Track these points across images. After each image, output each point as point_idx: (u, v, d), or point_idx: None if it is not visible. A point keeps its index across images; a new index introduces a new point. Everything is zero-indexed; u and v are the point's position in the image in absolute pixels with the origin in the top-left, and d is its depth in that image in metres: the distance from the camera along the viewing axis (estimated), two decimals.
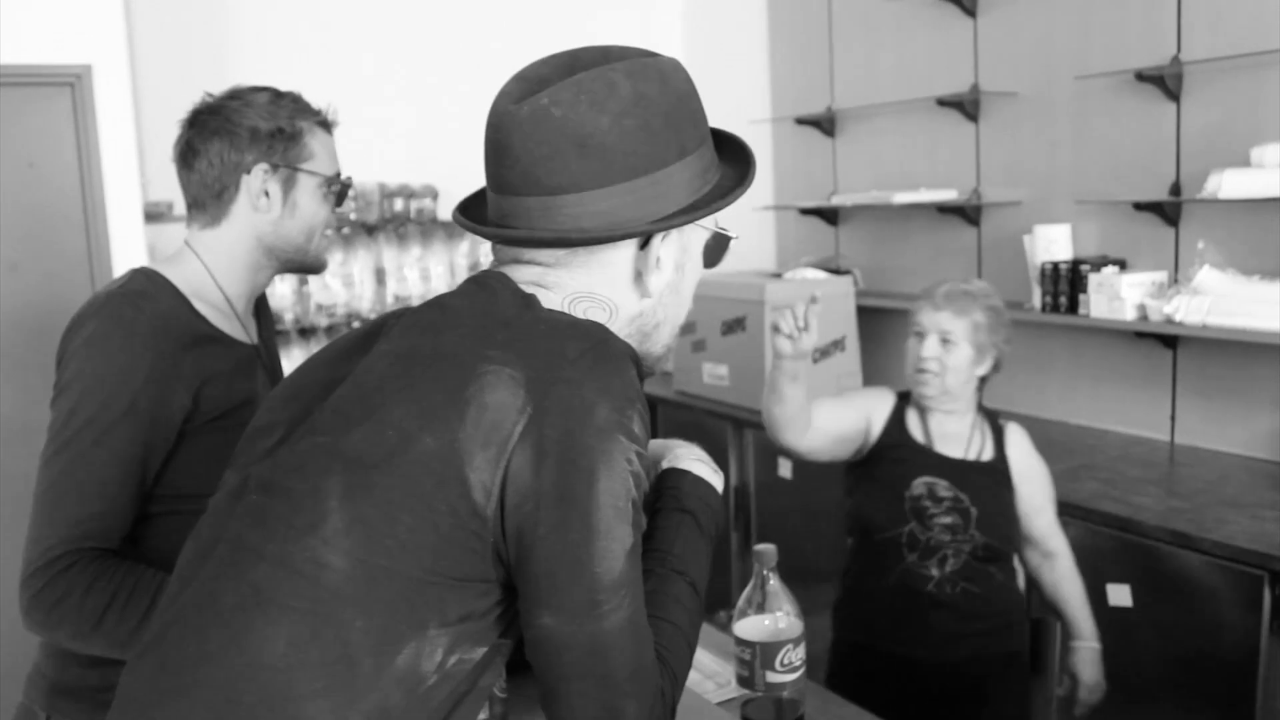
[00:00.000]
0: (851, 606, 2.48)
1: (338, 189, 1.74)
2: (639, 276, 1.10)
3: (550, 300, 1.09)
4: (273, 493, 1.03)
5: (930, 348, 2.41)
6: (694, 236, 1.13)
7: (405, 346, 1.05)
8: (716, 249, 1.18)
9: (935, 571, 2.32)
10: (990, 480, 2.39)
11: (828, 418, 2.47)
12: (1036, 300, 3.51)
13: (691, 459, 1.29)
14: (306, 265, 1.74)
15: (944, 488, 2.35)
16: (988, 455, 2.44)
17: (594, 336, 1.02)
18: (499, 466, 0.95)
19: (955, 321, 2.39)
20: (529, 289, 1.09)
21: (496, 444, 0.95)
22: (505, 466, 0.95)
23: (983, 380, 2.48)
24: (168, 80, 4.00)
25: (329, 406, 1.05)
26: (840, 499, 3.52)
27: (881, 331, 4.30)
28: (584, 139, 1.03)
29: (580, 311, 1.09)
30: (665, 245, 1.10)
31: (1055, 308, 3.42)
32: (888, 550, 2.36)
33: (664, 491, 1.25)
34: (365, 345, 1.11)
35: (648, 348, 1.15)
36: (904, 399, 2.52)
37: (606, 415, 0.97)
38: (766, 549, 1.74)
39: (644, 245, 1.10)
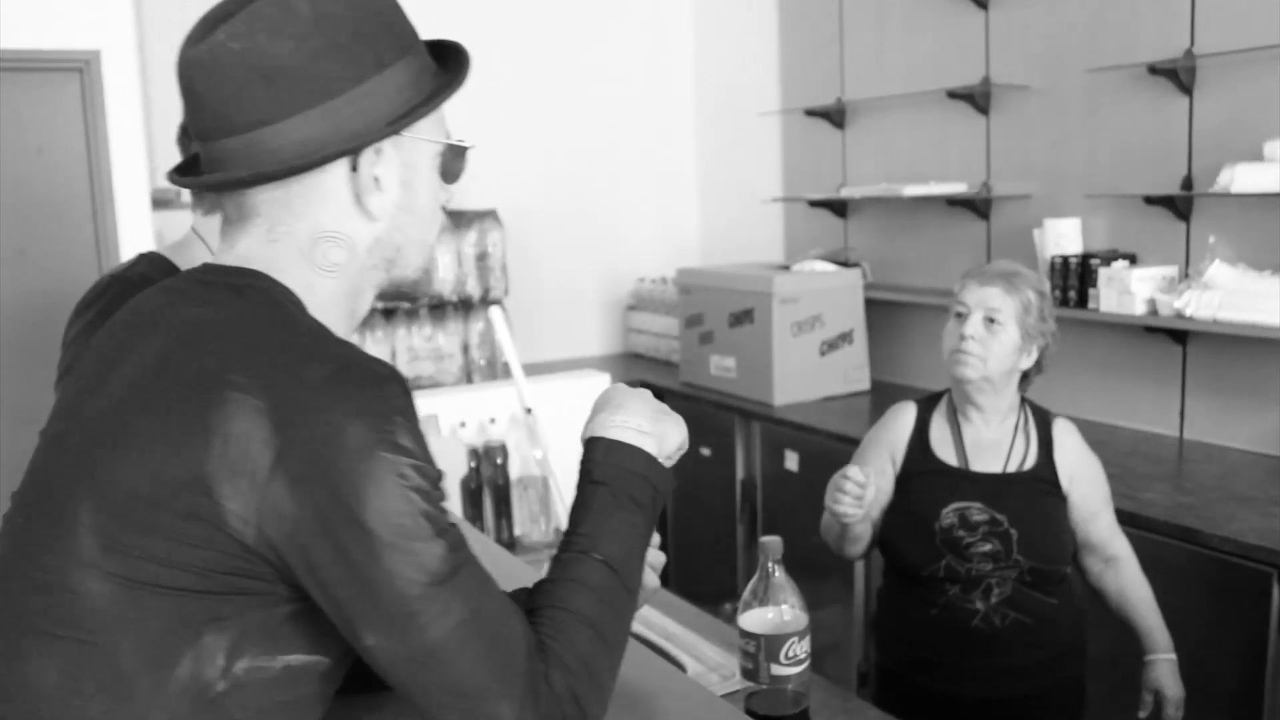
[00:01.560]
0: (891, 633, 2.32)
1: None
2: (359, 201, 1.05)
3: (287, 254, 1.05)
4: (30, 514, 1.00)
5: (974, 326, 2.15)
6: (417, 151, 1.09)
7: (157, 359, 0.99)
8: (452, 162, 1.14)
9: (980, 604, 2.13)
10: (1034, 492, 2.18)
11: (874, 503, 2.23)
12: None
13: (614, 424, 1.21)
14: None
15: (978, 511, 2.14)
16: (1030, 462, 2.20)
17: (338, 358, 0.97)
18: (253, 498, 0.91)
19: (1005, 299, 2.15)
20: (265, 249, 1.05)
21: (246, 475, 0.91)
22: (260, 498, 0.91)
23: (1025, 377, 2.24)
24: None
25: (82, 420, 1.01)
26: None
27: (890, 324, 4.28)
28: (267, 69, 0.99)
29: (320, 255, 1.05)
30: (383, 164, 1.06)
31: (1065, 302, 3.41)
32: (927, 585, 2.17)
33: (580, 466, 1.21)
34: (130, 343, 1.04)
35: (397, 274, 1.12)
36: (927, 407, 2.30)
37: (361, 435, 0.92)
38: (771, 541, 1.73)
39: (355, 168, 1.05)
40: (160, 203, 3.85)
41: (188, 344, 0.99)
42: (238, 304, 1.02)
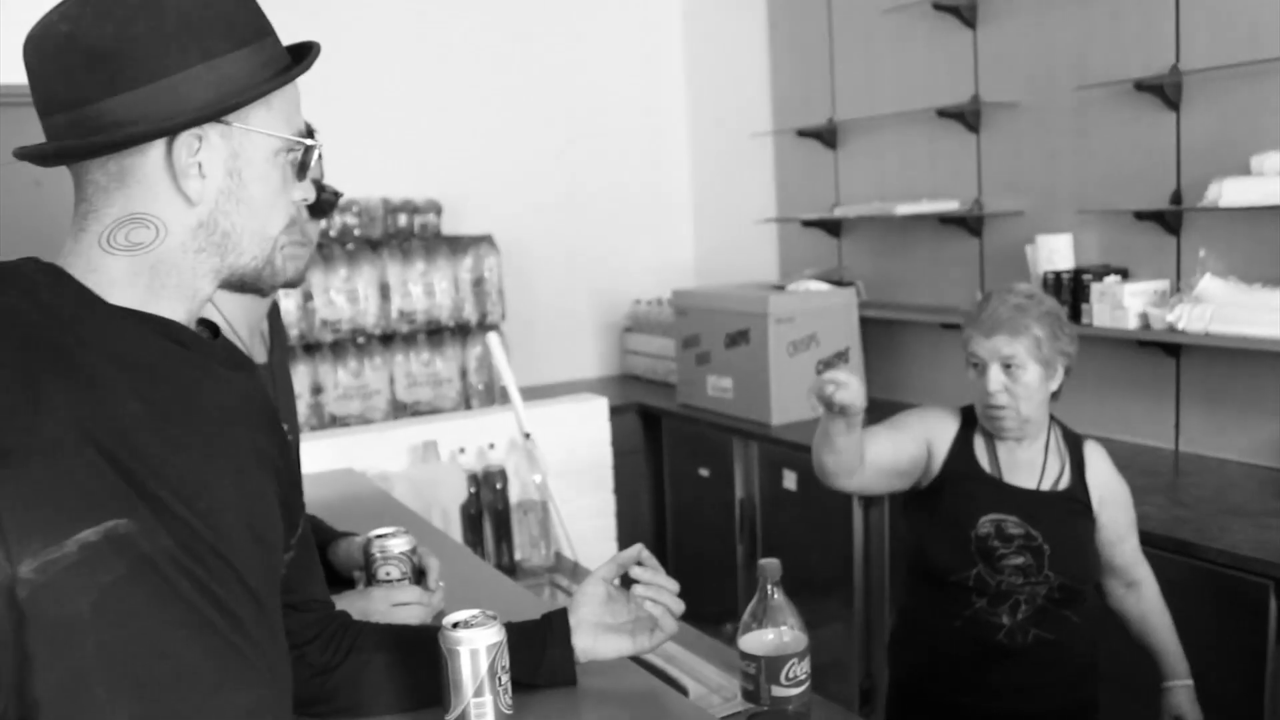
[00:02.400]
0: (911, 649, 2.31)
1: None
2: (176, 184, 1.06)
3: (89, 238, 1.08)
4: None
5: (995, 380, 2.13)
6: (250, 142, 1.10)
7: None
8: (301, 159, 1.16)
9: (1006, 619, 2.12)
10: (1066, 512, 2.17)
11: (881, 451, 2.21)
12: None
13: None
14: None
15: (1013, 524, 2.13)
16: (1065, 483, 2.19)
17: None
18: None
19: (1013, 344, 2.12)
20: (82, 237, 1.09)
21: None
22: None
23: (1055, 395, 2.22)
24: None
25: None
26: (843, 512, 3.55)
27: (885, 342, 4.30)
28: (90, 49, 1.02)
29: (123, 237, 1.07)
30: (207, 150, 1.07)
31: None
32: (954, 594, 2.16)
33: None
34: None
35: (232, 261, 1.13)
36: (970, 421, 2.26)
37: None
38: (770, 563, 1.74)
39: (171, 152, 1.06)
40: None
41: None
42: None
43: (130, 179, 1.06)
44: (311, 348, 4.28)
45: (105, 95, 1.02)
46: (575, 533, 3.14)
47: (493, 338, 3.27)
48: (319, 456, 3.09)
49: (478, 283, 4.55)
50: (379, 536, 1.82)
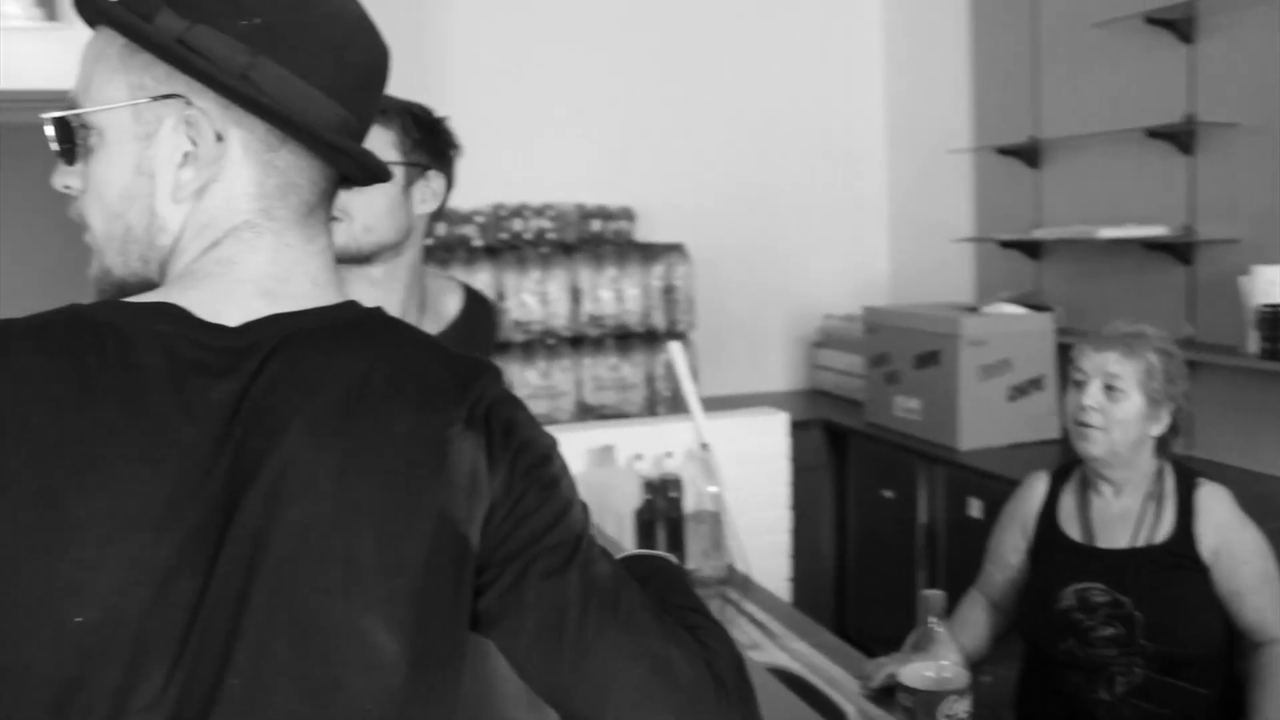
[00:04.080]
0: (1024, 716, 2.21)
1: None
2: None
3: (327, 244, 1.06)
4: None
5: (1092, 395, 2.02)
6: None
7: None
8: None
9: (1105, 694, 1.99)
10: (1164, 568, 2.00)
11: (981, 620, 2.21)
12: (1253, 346, 3.32)
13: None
14: None
15: (1099, 592, 1.99)
16: (1163, 535, 2.03)
17: None
18: None
19: (1123, 364, 2.02)
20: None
21: None
22: None
23: (1161, 443, 2.08)
24: None
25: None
26: None
27: None
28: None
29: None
30: None
31: (1273, 354, 3.23)
32: (1052, 670, 2.06)
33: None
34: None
35: None
36: (1060, 477, 2.16)
37: None
38: (933, 595, 1.70)
39: None
40: None
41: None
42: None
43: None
44: (502, 347, 4.39)
45: None
46: (749, 547, 3.12)
47: (675, 346, 3.29)
48: None
49: (668, 290, 4.59)
50: None
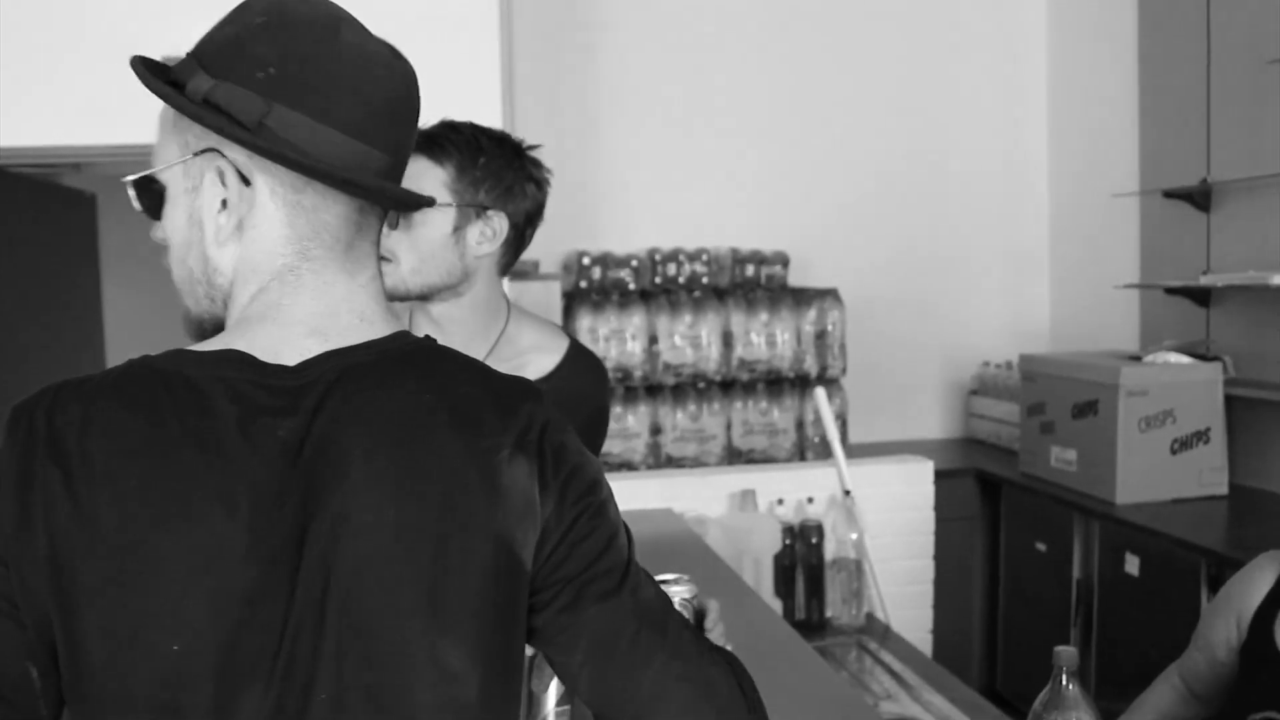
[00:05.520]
0: None
1: None
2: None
3: (369, 279, 1.09)
4: None
5: None
6: None
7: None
8: None
9: None
10: None
11: (1204, 681, 1.86)
12: None
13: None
14: None
15: None
16: None
17: None
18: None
19: None
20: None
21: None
22: None
23: None
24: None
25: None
26: (1190, 606, 3.28)
27: (1254, 425, 3.94)
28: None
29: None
30: None
31: None
32: None
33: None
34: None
35: None
36: None
37: None
38: (1067, 651, 1.65)
39: None
40: (517, 274, 4.14)
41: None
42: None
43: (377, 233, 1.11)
44: (653, 390, 4.44)
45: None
46: (890, 596, 3.08)
47: (820, 392, 3.28)
48: (648, 494, 3.22)
49: (820, 335, 4.56)
50: (663, 583, 1.84)
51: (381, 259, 1.08)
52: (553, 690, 1.36)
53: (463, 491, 0.95)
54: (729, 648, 1.80)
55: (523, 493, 0.97)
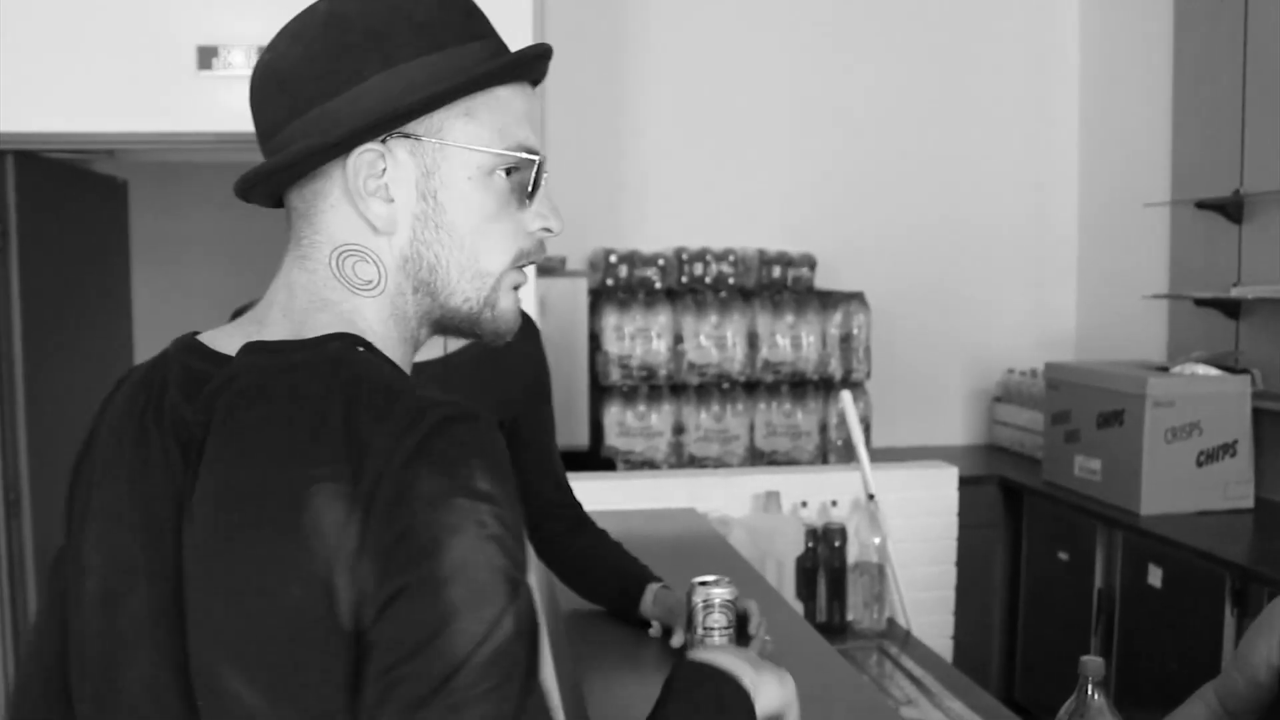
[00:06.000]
0: None
1: None
2: (357, 209, 0.93)
3: (316, 269, 0.95)
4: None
5: None
6: (446, 158, 0.94)
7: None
8: (518, 174, 0.97)
9: None
10: None
11: (1242, 702, 1.82)
12: None
13: (709, 656, 1.06)
14: None
15: None
16: None
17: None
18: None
19: None
20: (302, 274, 0.96)
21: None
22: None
23: None
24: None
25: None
26: (1213, 619, 3.26)
27: None
28: (280, 74, 0.94)
29: (350, 268, 0.94)
30: (395, 169, 0.93)
31: None
32: None
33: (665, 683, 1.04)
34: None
35: (443, 301, 0.97)
36: None
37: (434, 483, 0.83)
38: (1093, 661, 1.65)
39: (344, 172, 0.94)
40: (544, 270, 4.15)
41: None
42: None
43: (323, 204, 0.95)
44: (678, 389, 4.44)
45: (291, 119, 0.93)
46: (911, 601, 3.08)
47: (846, 396, 3.27)
48: (670, 494, 3.22)
49: (845, 339, 4.56)
50: (703, 584, 1.84)
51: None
52: None
53: (258, 520, 0.84)
54: (770, 647, 1.80)
55: (334, 537, 0.81)
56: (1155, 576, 3.55)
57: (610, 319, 4.35)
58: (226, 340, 0.95)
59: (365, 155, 0.92)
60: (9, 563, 3.64)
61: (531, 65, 0.98)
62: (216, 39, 3.39)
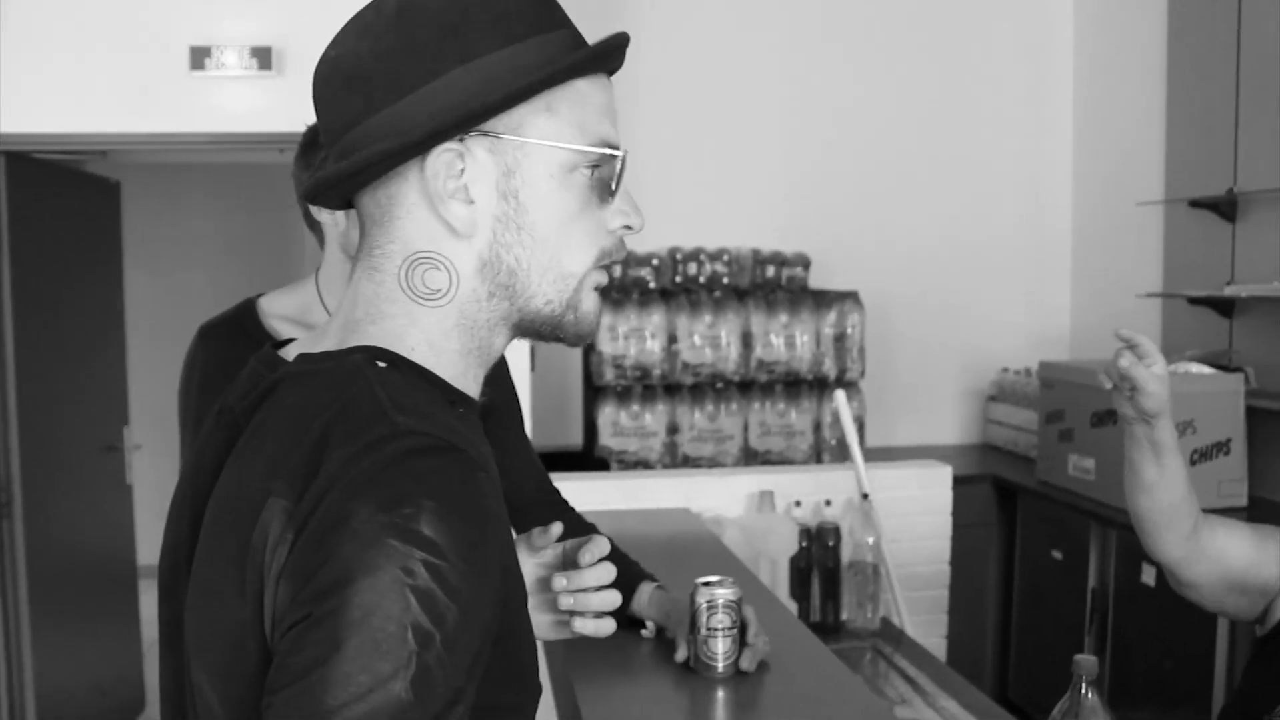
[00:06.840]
0: None
1: None
2: (435, 212, 0.89)
3: (389, 286, 0.91)
4: None
5: None
6: (526, 156, 0.90)
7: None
8: (600, 171, 0.93)
9: None
10: None
11: (1226, 546, 1.74)
12: None
13: None
14: None
15: None
16: None
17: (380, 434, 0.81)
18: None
19: None
20: (369, 286, 0.92)
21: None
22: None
23: None
24: None
25: None
26: (1208, 617, 3.26)
27: (1275, 437, 3.93)
28: (348, 72, 0.89)
29: (419, 278, 0.90)
30: (474, 169, 0.89)
31: None
32: None
33: None
34: None
35: (522, 305, 0.92)
36: None
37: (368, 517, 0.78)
38: (1087, 660, 1.64)
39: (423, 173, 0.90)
40: None
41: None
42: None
43: (398, 209, 0.91)
44: (671, 389, 4.44)
45: (363, 118, 0.89)
46: (906, 600, 3.07)
47: (840, 395, 3.27)
48: (664, 494, 3.21)
49: (839, 338, 4.56)
50: (707, 584, 1.83)
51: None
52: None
53: (230, 528, 0.83)
54: (766, 648, 1.79)
55: (268, 553, 0.79)
56: (1149, 575, 3.55)
57: (604, 319, 4.34)
58: (294, 350, 0.95)
59: (444, 156, 0.88)
60: (0, 565, 3.63)
61: (611, 55, 0.94)
62: (209, 39, 3.39)
